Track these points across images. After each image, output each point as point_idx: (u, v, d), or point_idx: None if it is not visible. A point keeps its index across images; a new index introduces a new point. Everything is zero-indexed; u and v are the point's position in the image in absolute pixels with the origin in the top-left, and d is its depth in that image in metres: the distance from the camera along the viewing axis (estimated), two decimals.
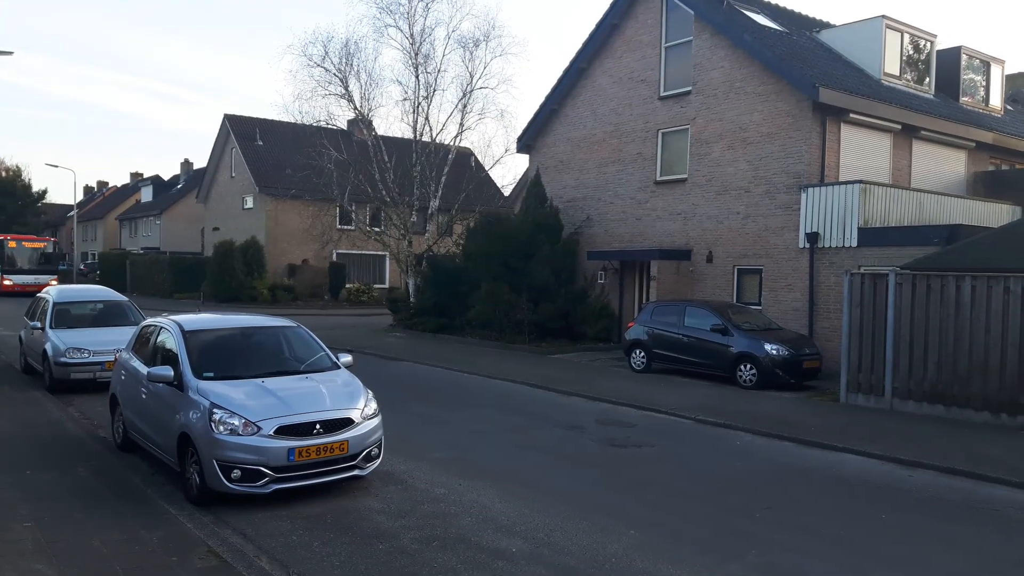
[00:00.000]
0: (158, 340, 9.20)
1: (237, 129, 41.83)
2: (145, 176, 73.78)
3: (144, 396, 8.92)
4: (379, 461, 8.42)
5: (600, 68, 23.06)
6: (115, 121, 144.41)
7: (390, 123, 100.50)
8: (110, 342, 13.10)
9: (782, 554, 6.87)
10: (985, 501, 8.59)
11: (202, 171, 50.49)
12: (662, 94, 21.27)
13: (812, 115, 17.82)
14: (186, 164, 65.78)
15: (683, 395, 14.65)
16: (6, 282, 40.83)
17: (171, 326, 9.01)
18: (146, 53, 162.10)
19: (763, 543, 7.11)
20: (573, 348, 21.20)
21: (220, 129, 43.65)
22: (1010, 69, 26.22)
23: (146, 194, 67.55)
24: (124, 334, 11.74)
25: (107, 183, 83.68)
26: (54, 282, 33.97)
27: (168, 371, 8.24)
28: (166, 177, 69.90)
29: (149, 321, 10.15)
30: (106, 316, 15.13)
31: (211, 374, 8.20)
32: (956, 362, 12.70)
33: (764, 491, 8.84)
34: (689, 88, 20.49)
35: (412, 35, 27.63)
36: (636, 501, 8.28)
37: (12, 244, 42.08)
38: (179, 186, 63.62)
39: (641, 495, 8.51)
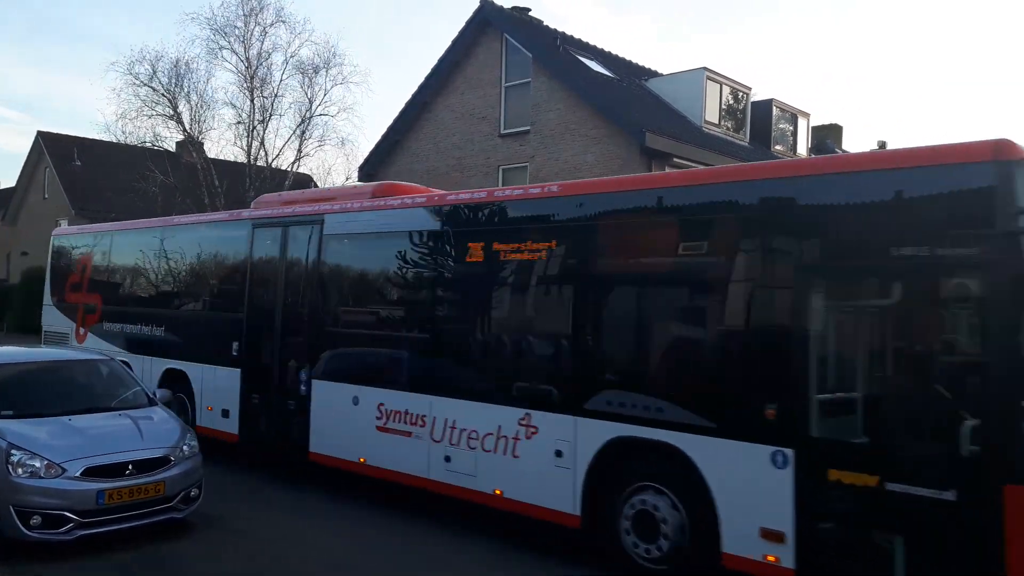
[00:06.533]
0: None
1: (52, 148, 38.76)
2: None
3: None
4: (200, 502, 7.98)
5: (443, 103, 23.34)
6: None
7: (222, 146, 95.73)
8: None
9: None
10: None
11: (10, 191, 46.36)
12: (502, 132, 21.80)
13: (640, 158, 18.82)
14: None
15: None
16: None
17: None
18: None
19: None
20: None
21: (32, 147, 40.23)
22: (815, 121, 28.96)
23: None
24: None
25: None
26: None
27: None
28: None
29: None
30: None
31: (10, 412, 7.54)
32: None
33: None
34: (528, 127, 21.13)
35: (248, 59, 26.94)
36: None
37: None
38: None
39: None
